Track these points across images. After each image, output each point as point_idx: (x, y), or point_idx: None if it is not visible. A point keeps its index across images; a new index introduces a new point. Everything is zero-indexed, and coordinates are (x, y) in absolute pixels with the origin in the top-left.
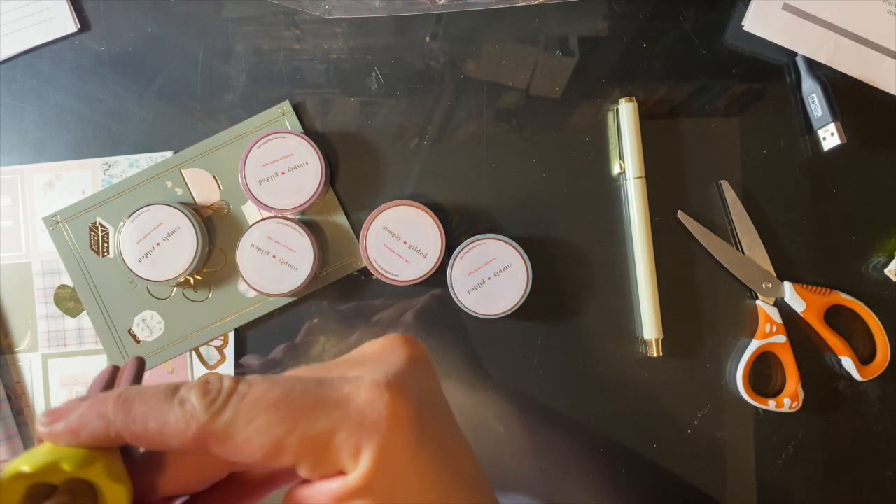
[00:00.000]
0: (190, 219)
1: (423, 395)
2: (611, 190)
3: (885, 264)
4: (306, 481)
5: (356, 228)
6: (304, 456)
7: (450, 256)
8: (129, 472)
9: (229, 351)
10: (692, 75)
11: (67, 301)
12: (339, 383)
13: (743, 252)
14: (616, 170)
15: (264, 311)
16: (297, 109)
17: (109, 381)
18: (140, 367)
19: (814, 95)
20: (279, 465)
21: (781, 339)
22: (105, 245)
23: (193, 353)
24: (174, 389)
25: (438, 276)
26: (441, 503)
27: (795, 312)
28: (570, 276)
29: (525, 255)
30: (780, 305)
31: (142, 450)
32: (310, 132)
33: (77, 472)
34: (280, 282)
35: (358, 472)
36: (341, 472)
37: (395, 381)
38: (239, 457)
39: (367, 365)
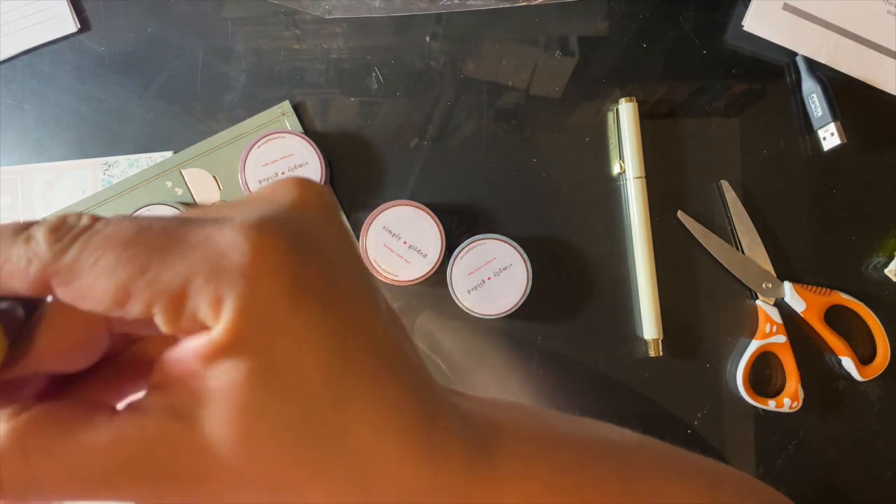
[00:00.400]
0: None
1: (306, 238)
2: (611, 190)
3: (885, 264)
4: (173, 341)
5: (356, 228)
6: (156, 304)
7: (450, 256)
8: None
9: None
10: (692, 75)
11: None
12: (204, 223)
13: (743, 252)
14: (616, 170)
15: None
16: (297, 109)
17: None
18: None
19: (814, 95)
20: (132, 314)
21: (781, 339)
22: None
23: None
24: (24, 226)
25: (438, 276)
26: (337, 361)
27: (795, 312)
28: (570, 276)
29: (525, 255)
30: (781, 305)
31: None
32: (310, 132)
33: None
34: None
35: (220, 325)
36: (206, 328)
37: (269, 221)
38: (86, 303)
39: (247, 206)
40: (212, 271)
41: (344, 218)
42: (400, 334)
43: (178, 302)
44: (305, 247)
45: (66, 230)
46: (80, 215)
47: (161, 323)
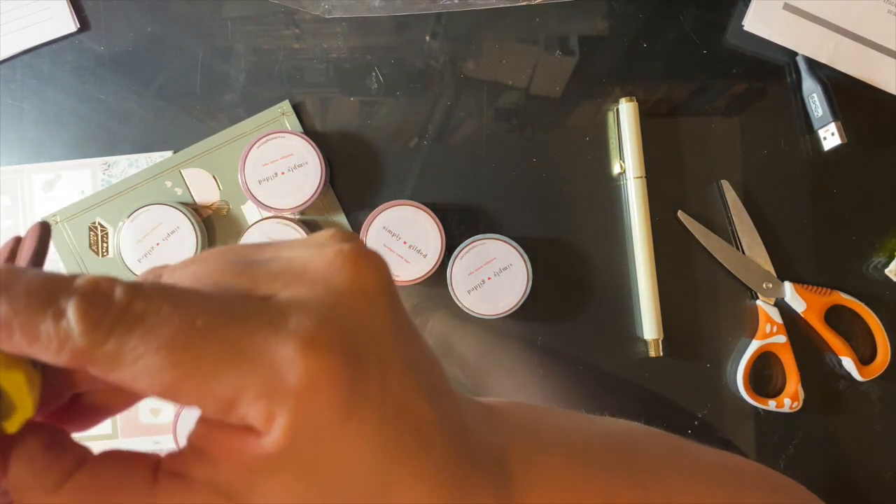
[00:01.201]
0: (189, 219)
1: (362, 339)
2: (611, 190)
3: (886, 264)
4: (214, 423)
5: (356, 228)
6: (204, 405)
7: (450, 256)
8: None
9: None
10: (692, 75)
11: None
12: (256, 324)
13: (743, 252)
14: (616, 170)
15: None
16: (297, 109)
17: (10, 254)
18: (44, 234)
19: (814, 95)
20: (175, 403)
21: (782, 339)
22: (104, 245)
23: None
24: (53, 292)
25: (438, 276)
26: (384, 460)
27: (796, 312)
28: (570, 276)
29: (525, 255)
30: (781, 305)
31: None
32: (310, 132)
33: None
34: None
35: (271, 438)
36: (252, 429)
37: (325, 333)
38: (125, 385)
39: (304, 286)
40: (265, 388)
41: (396, 291)
42: (438, 381)
43: (226, 407)
44: (361, 354)
45: (101, 310)
46: (114, 286)
47: (207, 414)
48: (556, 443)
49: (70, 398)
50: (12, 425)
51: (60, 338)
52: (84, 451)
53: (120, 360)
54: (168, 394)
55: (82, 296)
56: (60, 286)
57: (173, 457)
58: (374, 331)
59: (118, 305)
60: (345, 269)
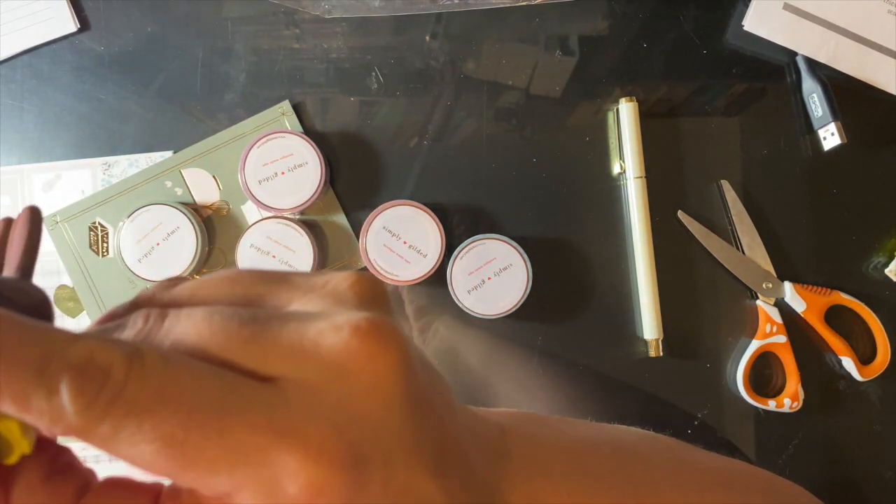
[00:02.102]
0: (189, 219)
1: (369, 446)
2: (611, 190)
3: (886, 264)
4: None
5: (356, 228)
6: (201, 491)
7: (450, 256)
8: None
9: None
10: (692, 75)
11: (67, 301)
12: (258, 424)
13: (743, 252)
14: (616, 170)
15: None
16: (297, 109)
17: (1, 240)
18: (36, 221)
19: (814, 95)
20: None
21: (782, 339)
22: (105, 245)
23: None
24: (46, 361)
25: (438, 276)
26: None
27: (796, 312)
28: (570, 276)
29: (525, 255)
30: (781, 305)
31: None
32: (310, 132)
33: None
34: None
35: None
36: None
37: (330, 442)
38: (115, 457)
39: (314, 372)
40: (263, 494)
41: (417, 368)
42: (448, 439)
43: (223, 497)
44: (366, 457)
45: (95, 388)
46: (111, 358)
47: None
48: (561, 468)
49: None
50: (11, 459)
51: (52, 415)
52: (87, 477)
53: (115, 443)
54: (165, 477)
55: (77, 371)
56: (53, 354)
57: (174, 495)
58: (383, 426)
59: (114, 384)
60: (360, 356)
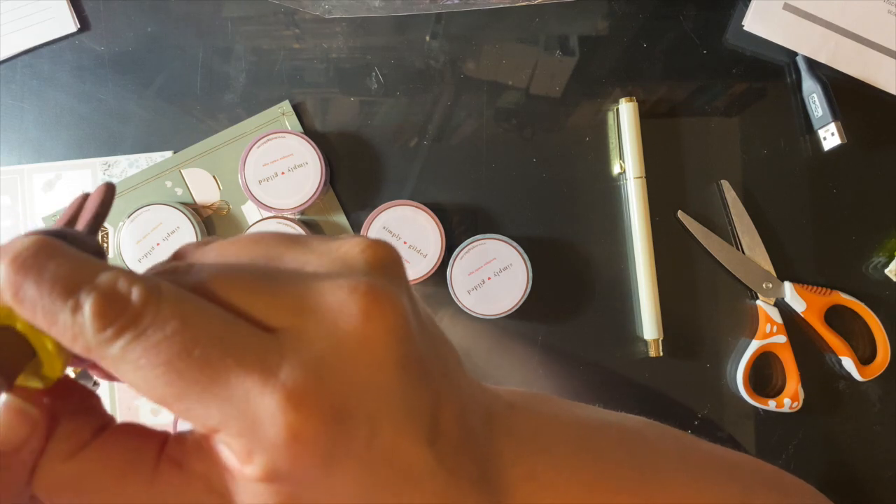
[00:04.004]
0: (190, 219)
1: (353, 401)
2: (611, 190)
3: (886, 264)
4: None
5: (356, 228)
6: (191, 423)
7: (450, 256)
8: None
9: None
10: (692, 75)
11: None
12: (250, 365)
13: (743, 252)
14: (616, 170)
15: None
16: (297, 109)
17: (75, 212)
18: (108, 195)
19: (814, 95)
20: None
21: (782, 339)
22: (105, 245)
23: None
24: (77, 283)
25: (438, 276)
26: (366, 500)
27: (796, 312)
28: (570, 276)
29: (525, 255)
30: (781, 305)
31: None
32: (310, 132)
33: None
34: None
35: (249, 470)
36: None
37: (313, 389)
38: (123, 382)
39: (310, 324)
40: (245, 430)
41: (413, 332)
42: (444, 410)
43: (210, 432)
44: (349, 411)
45: (114, 312)
46: (135, 286)
47: (196, 430)
48: (566, 448)
49: None
50: (44, 382)
51: (74, 331)
52: (106, 419)
53: (121, 365)
54: (160, 404)
55: (101, 294)
56: (85, 278)
57: (178, 442)
58: (371, 385)
59: (132, 311)
60: (355, 314)
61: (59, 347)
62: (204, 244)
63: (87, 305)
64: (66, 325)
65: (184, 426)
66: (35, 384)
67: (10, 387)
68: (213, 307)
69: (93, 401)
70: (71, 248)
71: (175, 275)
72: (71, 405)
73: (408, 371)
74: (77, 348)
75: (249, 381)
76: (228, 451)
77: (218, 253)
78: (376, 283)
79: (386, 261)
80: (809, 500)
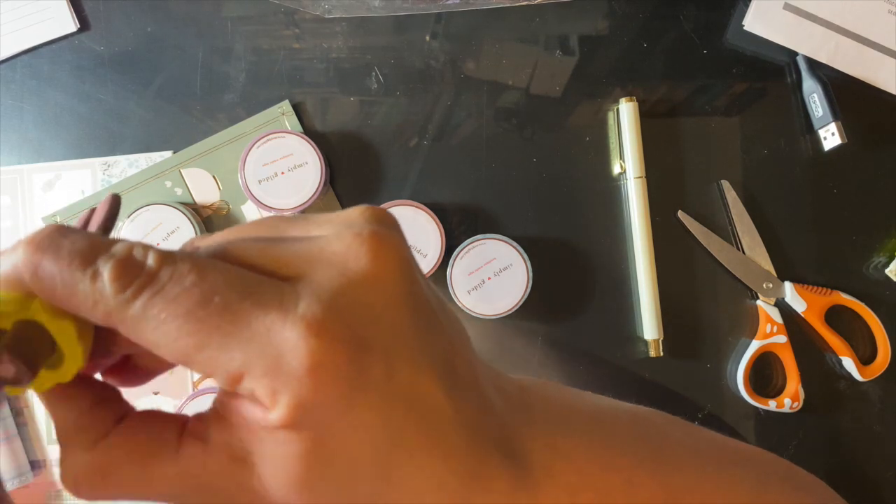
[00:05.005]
0: (189, 219)
1: (371, 328)
2: (611, 190)
3: (886, 264)
4: (230, 391)
5: None
6: (215, 376)
7: (450, 256)
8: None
9: None
10: (693, 75)
11: None
12: (268, 305)
13: (743, 252)
14: (616, 169)
15: None
16: (297, 109)
17: (84, 224)
18: (115, 204)
19: (814, 95)
20: (195, 372)
21: (782, 339)
22: None
23: None
24: (94, 254)
25: (438, 276)
26: (386, 444)
27: (796, 312)
28: (570, 276)
29: (525, 255)
30: (781, 305)
31: None
32: (309, 132)
33: (18, 314)
34: None
35: (275, 413)
36: (261, 403)
37: (331, 319)
38: (148, 348)
39: (320, 269)
40: (269, 368)
41: (420, 280)
42: (461, 367)
43: (234, 380)
44: (367, 342)
45: (132, 275)
46: (149, 252)
47: (218, 384)
48: (581, 427)
49: (121, 358)
50: (66, 374)
51: (95, 297)
52: (126, 408)
53: (143, 324)
54: (183, 361)
55: (118, 260)
56: (100, 249)
57: (198, 419)
58: (385, 320)
59: (148, 271)
60: (361, 255)
61: (81, 333)
62: (206, 236)
63: (106, 271)
64: (87, 293)
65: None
66: (56, 378)
67: (33, 375)
68: (227, 264)
69: (112, 392)
70: (79, 229)
71: (184, 247)
72: (90, 397)
73: (417, 311)
74: (98, 315)
75: (269, 318)
76: (251, 406)
77: (223, 235)
78: (379, 229)
79: (386, 219)
80: (823, 495)
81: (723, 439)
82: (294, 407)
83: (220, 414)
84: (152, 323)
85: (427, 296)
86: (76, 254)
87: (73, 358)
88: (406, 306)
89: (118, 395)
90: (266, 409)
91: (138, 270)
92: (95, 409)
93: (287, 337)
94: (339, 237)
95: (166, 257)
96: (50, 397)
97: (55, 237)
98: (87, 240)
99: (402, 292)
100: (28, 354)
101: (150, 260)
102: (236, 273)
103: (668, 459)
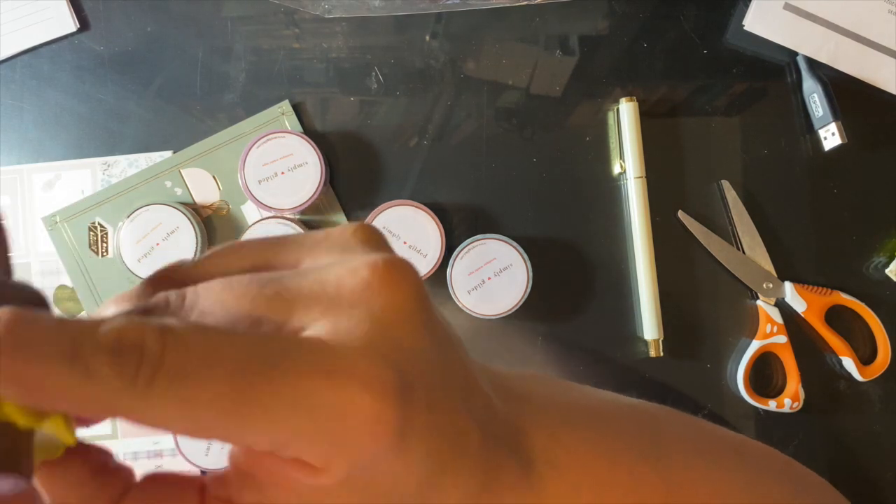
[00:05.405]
0: (189, 219)
1: (408, 366)
2: (611, 190)
3: (886, 264)
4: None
5: None
6: (256, 446)
7: (450, 256)
8: None
9: None
10: (693, 75)
11: (67, 301)
12: (307, 367)
13: (743, 252)
14: (616, 169)
15: None
16: (297, 109)
17: None
18: (2, 238)
19: (814, 95)
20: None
21: (782, 339)
22: (104, 245)
23: None
24: (75, 349)
25: (438, 276)
26: (428, 480)
27: (796, 312)
28: (570, 276)
29: (525, 255)
30: (781, 305)
31: None
32: (309, 132)
33: None
34: None
35: (328, 476)
36: (306, 464)
37: (378, 372)
38: (162, 430)
39: (343, 314)
40: (322, 434)
41: (431, 301)
42: (469, 377)
43: (280, 448)
44: (410, 385)
45: (134, 364)
46: (143, 333)
47: (257, 450)
48: (583, 420)
49: None
50: (56, 453)
51: (96, 395)
52: (128, 475)
53: (165, 414)
54: (215, 439)
55: (111, 350)
56: (82, 339)
57: (219, 481)
58: (418, 356)
59: (152, 357)
60: (382, 290)
61: (68, 419)
62: (177, 267)
63: (103, 366)
64: (84, 395)
65: (189, 444)
66: (45, 454)
67: (30, 476)
68: (234, 329)
69: (108, 458)
70: (38, 313)
71: (173, 310)
72: (90, 465)
73: (435, 335)
74: (100, 412)
75: (315, 381)
76: (294, 468)
77: (202, 271)
78: (391, 257)
79: (377, 238)
80: (819, 489)
81: (722, 431)
82: (350, 467)
83: (245, 473)
84: (177, 413)
85: (438, 316)
86: (58, 354)
87: (65, 439)
88: (427, 333)
89: (111, 459)
90: (315, 472)
91: (139, 355)
92: (99, 475)
93: (340, 400)
94: (353, 272)
95: (165, 333)
96: (42, 475)
97: (20, 331)
98: (61, 331)
99: (422, 320)
100: (10, 457)
101: (149, 340)
102: (252, 337)
103: (669, 453)
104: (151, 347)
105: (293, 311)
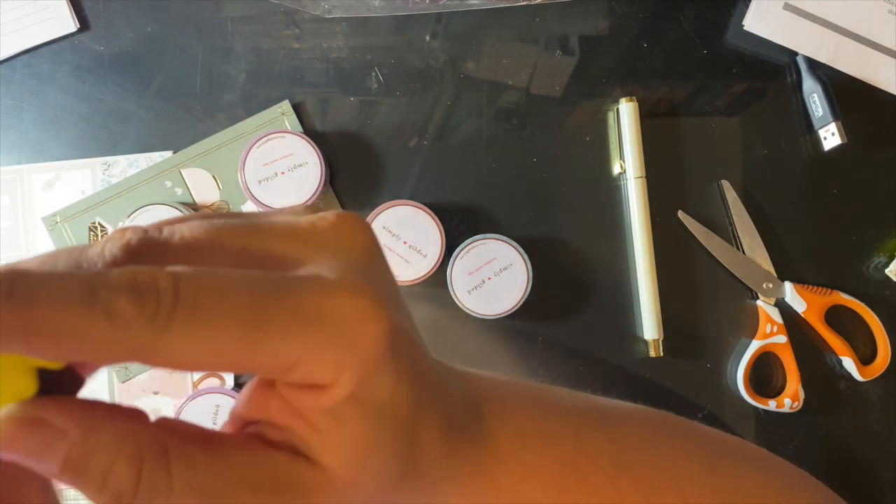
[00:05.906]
0: None
1: (387, 292)
2: (611, 190)
3: (886, 264)
4: (270, 389)
5: None
6: (266, 371)
7: (450, 256)
8: None
9: None
10: (693, 75)
11: None
12: (308, 286)
13: (743, 252)
14: (616, 169)
15: None
16: (297, 109)
17: None
18: None
19: (814, 95)
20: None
21: (782, 339)
22: None
23: None
24: (90, 289)
25: (438, 276)
26: (414, 393)
27: (796, 312)
28: (570, 276)
29: (525, 255)
30: (781, 305)
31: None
32: (309, 132)
33: None
34: None
35: (339, 388)
36: (316, 384)
37: (369, 287)
38: (182, 369)
39: (325, 248)
40: (333, 344)
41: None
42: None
43: (290, 369)
44: (391, 303)
45: (153, 303)
46: (154, 274)
47: (266, 377)
48: (528, 392)
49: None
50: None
51: (117, 335)
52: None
53: (187, 348)
54: (229, 367)
55: (129, 289)
56: (96, 283)
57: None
58: (385, 285)
59: (169, 293)
60: (351, 232)
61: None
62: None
63: (123, 304)
64: (104, 335)
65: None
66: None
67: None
68: (231, 267)
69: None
70: (42, 270)
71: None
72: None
73: (390, 275)
74: (121, 352)
75: (317, 298)
76: (304, 392)
77: (183, 223)
78: (343, 211)
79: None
80: (795, 479)
81: (702, 427)
82: (356, 377)
83: (272, 419)
84: (199, 345)
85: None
86: (75, 297)
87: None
88: (386, 269)
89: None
90: (325, 391)
91: (155, 293)
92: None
93: (340, 308)
94: (321, 219)
95: (174, 274)
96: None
97: (31, 282)
98: (74, 277)
99: (383, 261)
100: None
101: (162, 281)
102: (251, 271)
103: (616, 421)
104: (165, 286)
105: (274, 244)
